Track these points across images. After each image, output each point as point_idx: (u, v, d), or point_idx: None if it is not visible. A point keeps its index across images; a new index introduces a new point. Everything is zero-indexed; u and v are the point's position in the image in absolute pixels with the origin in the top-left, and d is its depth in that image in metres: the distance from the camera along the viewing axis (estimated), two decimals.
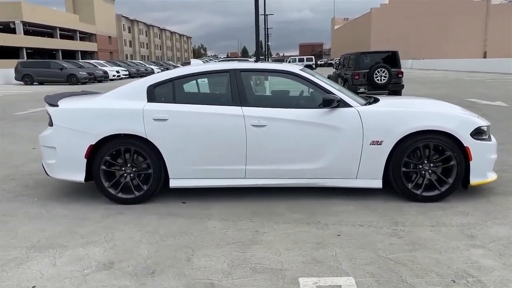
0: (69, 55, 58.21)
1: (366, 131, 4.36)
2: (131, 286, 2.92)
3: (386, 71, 13.77)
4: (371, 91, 13.78)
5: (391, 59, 14.14)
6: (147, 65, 45.96)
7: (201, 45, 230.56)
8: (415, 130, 4.32)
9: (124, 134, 4.46)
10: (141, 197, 4.57)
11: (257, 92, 4.73)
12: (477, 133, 4.41)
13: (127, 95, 4.61)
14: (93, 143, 4.47)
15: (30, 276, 3.07)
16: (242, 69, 4.64)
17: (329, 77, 17.05)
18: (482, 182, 4.48)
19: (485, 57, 63.46)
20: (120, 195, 4.57)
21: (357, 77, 14.01)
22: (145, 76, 35.32)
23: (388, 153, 4.39)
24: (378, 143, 4.37)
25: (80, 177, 4.58)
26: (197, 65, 4.95)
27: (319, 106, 4.46)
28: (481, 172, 4.45)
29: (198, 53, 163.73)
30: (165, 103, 4.52)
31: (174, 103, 4.52)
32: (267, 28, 53.77)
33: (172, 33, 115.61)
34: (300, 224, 3.94)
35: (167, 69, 49.33)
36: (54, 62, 31.19)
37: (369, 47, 64.59)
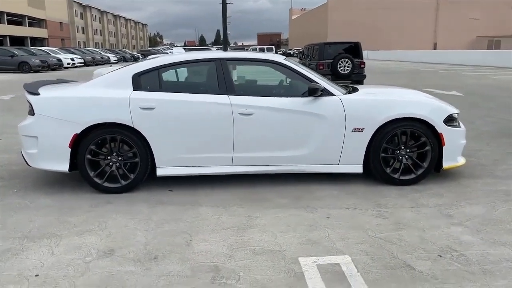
0: (17, 42, 55.49)
1: (349, 119, 4.56)
2: (137, 272, 2.97)
3: (349, 61, 14.14)
4: (334, 81, 14.10)
5: (354, 50, 14.51)
6: (103, 53, 44.60)
7: (157, 32, 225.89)
8: (394, 118, 4.56)
9: (110, 123, 4.44)
10: (128, 186, 4.57)
11: (241, 81, 4.82)
12: (449, 120, 4.71)
13: (112, 83, 4.57)
14: (78, 132, 4.42)
15: (30, 265, 3.06)
16: (228, 58, 4.71)
17: None
18: (453, 166, 4.80)
19: (435, 48, 66.09)
20: (106, 184, 4.55)
21: (321, 67, 14.30)
22: (102, 64, 34.21)
23: (368, 139, 4.61)
24: (360, 130, 4.58)
25: (63, 167, 4.52)
26: (181, 54, 4.97)
27: (302, 95, 4.61)
28: (453, 156, 4.77)
29: (154, 41, 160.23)
30: (152, 92, 4.53)
31: (160, 92, 4.54)
32: (226, 17, 53.39)
33: (127, 20, 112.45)
34: (289, 208, 4.10)
35: (124, 57, 48.41)
36: (3, 49, 29.71)
37: (326, 38, 65.62)
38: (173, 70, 4.75)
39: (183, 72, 5.00)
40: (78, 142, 4.47)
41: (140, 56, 54.74)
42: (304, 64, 16.44)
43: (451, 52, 36.52)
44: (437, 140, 4.66)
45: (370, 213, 3.95)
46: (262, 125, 4.53)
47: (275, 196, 4.43)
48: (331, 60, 14.26)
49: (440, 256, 3.12)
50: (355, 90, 5.03)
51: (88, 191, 4.59)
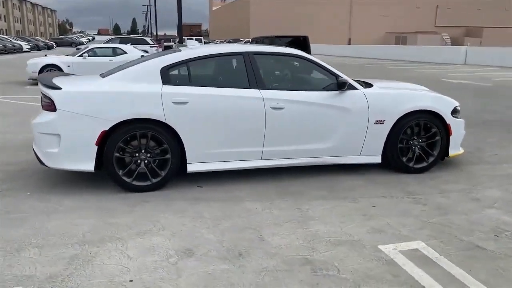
0: None
1: (372, 112, 4.79)
2: (232, 269, 2.93)
3: None
4: None
5: (302, 44, 14.91)
6: (14, 41, 41.08)
7: (66, 19, 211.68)
8: (411, 110, 4.88)
9: (140, 119, 4.24)
10: (158, 183, 4.41)
11: (268, 75, 4.82)
12: (454, 112, 5.14)
13: (139, 77, 4.36)
14: (106, 129, 4.17)
15: (114, 271, 2.88)
16: (255, 52, 4.70)
17: None
18: (456, 154, 5.25)
19: (349, 43, 69.68)
20: (135, 182, 4.35)
21: None
22: (14, 52, 31.78)
23: (388, 131, 4.89)
24: (381, 122, 4.84)
25: (89, 166, 4.24)
26: (207, 47, 4.85)
27: (324, 89, 4.75)
28: (456, 145, 5.21)
29: (64, 29, 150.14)
30: (183, 86, 4.39)
31: (190, 86, 4.42)
32: (155, 4, 51.66)
33: (33, 5, 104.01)
34: (330, 200, 4.23)
35: (37, 46, 44.87)
36: None
37: (248, 31, 66.39)
38: (202, 64, 4.64)
39: (211, 66, 4.89)
40: (105, 140, 4.22)
41: (54, 44, 51.23)
42: None
43: (367, 47, 39.14)
44: (446, 130, 5.06)
45: (407, 201, 4.21)
46: (292, 119, 4.60)
47: (308, 189, 4.54)
48: None
49: (497, 236, 3.45)
50: (368, 84, 5.27)
51: (108, 190, 4.37)
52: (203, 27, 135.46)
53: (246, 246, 3.26)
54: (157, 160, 4.40)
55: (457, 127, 5.15)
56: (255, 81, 4.57)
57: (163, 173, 4.40)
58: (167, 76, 4.40)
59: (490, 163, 5.47)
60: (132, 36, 38.73)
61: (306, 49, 14.90)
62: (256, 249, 3.21)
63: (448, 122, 5.04)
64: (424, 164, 5.08)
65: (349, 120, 4.76)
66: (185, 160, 4.46)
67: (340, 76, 4.77)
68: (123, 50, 15.71)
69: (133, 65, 4.51)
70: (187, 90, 4.36)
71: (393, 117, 4.85)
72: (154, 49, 24.75)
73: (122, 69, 4.48)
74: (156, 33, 62.89)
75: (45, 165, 4.28)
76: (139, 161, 4.36)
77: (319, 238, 3.40)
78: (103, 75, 4.73)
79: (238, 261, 3.04)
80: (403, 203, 4.16)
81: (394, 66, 24.71)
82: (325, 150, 4.80)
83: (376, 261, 3.06)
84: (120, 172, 4.29)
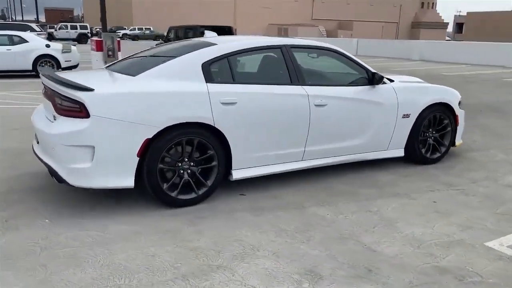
0: None
1: (400, 105, 4.78)
2: (377, 283, 2.66)
3: None
4: None
5: (228, 34, 14.58)
6: None
7: None
8: (431, 103, 4.98)
9: (186, 123, 3.66)
10: (204, 195, 3.86)
11: (307, 70, 4.48)
12: (459, 103, 5.38)
13: (178, 74, 3.74)
14: (150, 136, 3.51)
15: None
16: (292, 45, 4.35)
17: None
18: (459, 143, 5.51)
19: (235, 33, 70.59)
20: (181, 196, 3.75)
21: None
22: None
23: (412, 124, 4.93)
24: (407, 116, 4.86)
25: (128, 181, 3.54)
26: (241, 39, 4.33)
27: (353, 83, 4.61)
28: (460, 135, 5.48)
29: None
30: (228, 84, 3.88)
31: (234, 84, 3.93)
32: None
33: None
34: (386, 198, 4.11)
35: None
36: None
37: (131, 18, 63.31)
38: (241, 58, 4.15)
39: (250, 61, 4.38)
40: (146, 149, 3.55)
41: None
42: None
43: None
44: (454, 121, 5.27)
45: (455, 193, 4.28)
46: (333, 116, 4.37)
47: (353, 187, 4.37)
48: None
49: None
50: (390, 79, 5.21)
51: (142, 206, 3.72)
52: (75, 13, 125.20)
53: (366, 259, 2.98)
54: (200, 169, 3.85)
55: (461, 118, 5.40)
56: (296, 77, 4.24)
57: (209, 183, 3.86)
58: (209, 72, 3.84)
59: (477, 150, 5.83)
60: (10, 22, 34.01)
61: None
62: (378, 262, 2.95)
63: (457, 113, 5.25)
64: (438, 154, 5.24)
65: (381, 114, 4.69)
66: (230, 166, 3.97)
67: (375, 71, 4.66)
68: (22, 38, 13.70)
69: (167, 60, 3.86)
70: (234, 89, 3.87)
71: (417, 110, 4.90)
72: (42, 36, 22.11)
73: (156, 65, 3.80)
74: (23, 18, 56.28)
75: (69, 184, 3.46)
76: (181, 171, 3.76)
77: (423, 241, 3.26)
78: (117, 70, 4.01)
79: (375, 277, 2.76)
80: (457, 195, 4.20)
81: None
82: (359, 147, 4.67)
83: (499, 260, 3.02)
84: (164, 186, 3.66)
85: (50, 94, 3.64)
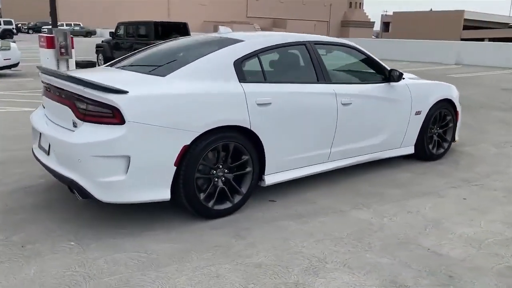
0: None
1: (413, 102, 4.75)
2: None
3: None
4: None
5: (183, 31, 14.06)
6: None
7: None
8: (438, 99, 5.00)
9: (224, 126, 3.33)
10: (239, 203, 3.56)
11: (331, 68, 4.27)
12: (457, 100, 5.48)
13: (209, 73, 3.40)
14: (188, 143, 3.15)
15: None
16: (315, 42, 4.14)
17: (100, 47, 15.40)
18: (458, 139, 5.62)
19: None
20: (217, 207, 3.42)
21: None
22: None
23: (422, 121, 4.92)
24: (419, 113, 4.84)
25: (164, 194, 3.16)
26: (265, 35, 4.04)
27: (376, 81, 4.52)
28: (458, 130, 5.58)
29: None
30: (259, 83, 3.60)
31: (266, 83, 3.66)
32: None
33: None
34: (418, 197, 4.01)
35: None
36: None
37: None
38: (269, 56, 3.87)
39: (277, 58, 4.09)
40: (183, 157, 3.19)
41: None
42: (119, 44, 14.91)
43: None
44: (455, 117, 5.36)
45: (476, 188, 4.29)
46: (358, 115, 4.24)
47: (379, 187, 4.26)
48: (163, 41, 13.40)
49: None
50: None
51: (170, 219, 3.37)
52: None
53: (438, 265, 2.84)
54: (233, 176, 3.54)
55: (460, 114, 5.50)
56: (322, 75, 4.04)
57: (243, 191, 3.57)
58: (241, 71, 3.54)
59: (468, 145, 5.96)
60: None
61: (187, 35, 14.06)
62: (452, 267, 2.82)
63: (458, 109, 5.34)
64: (442, 150, 5.29)
65: (398, 112, 4.63)
66: (262, 172, 3.70)
67: (392, 69, 4.58)
68: None
69: (193, 59, 3.49)
70: (268, 88, 3.60)
71: (427, 107, 4.90)
72: None
73: (183, 64, 3.42)
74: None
75: (96, 199, 3.02)
76: (216, 179, 3.44)
77: (481, 241, 3.19)
78: (135, 70, 3.60)
79: (459, 284, 2.63)
80: (477, 191, 4.22)
81: None
82: (378, 145, 4.57)
83: None
84: (201, 196, 3.32)
85: (65, 97, 3.16)
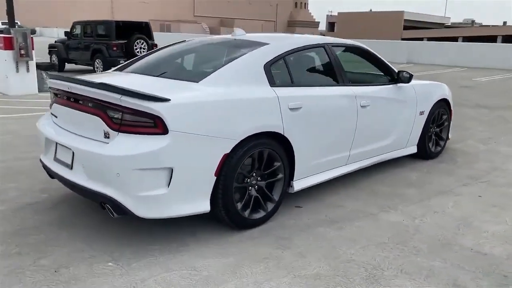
0: None
1: (418, 103, 4.83)
2: None
3: (144, 42, 13.15)
4: None
5: (145, 30, 13.60)
6: None
7: None
8: (437, 99, 5.13)
9: (260, 133, 3.20)
10: (272, 211, 3.44)
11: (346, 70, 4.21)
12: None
13: (243, 78, 3.26)
14: (228, 151, 3.00)
15: None
16: (332, 44, 4.09)
17: (54, 47, 14.58)
18: (450, 136, 5.79)
19: None
20: (252, 216, 3.29)
21: (115, 48, 12.75)
22: None
23: (425, 121, 5.02)
24: (423, 113, 4.93)
25: (204, 205, 2.99)
26: (288, 38, 3.91)
27: (382, 83, 4.55)
28: (451, 129, 5.75)
29: None
30: (288, 87, 3.50)
31: (294, 86, 3.56)
32: None
33: None
34: (437, 196, 4.06)
35: None
36: None
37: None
38: (294, 59, 3.75)
39: (301, 61, 3.96)
40: (222, 166, 3.03)
41: None
42: (75, 45, 14.16)
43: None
44: (450, 116, 5.52)
45: (487, 185, 4.41)
46: (373, 116, 4.24)
47: (393, 188, 4.29)
48: (125, 41, 12.94)
49: None
50: None
51: (203, 231, 3.21)
52: None
53: (489, 265, 2.88)
54: (265, 183, 3.42)
55: (453, 112, 5.68)
56: (341, 77, 4.01)
57: (275, 198, 3.45)
58: (270, 74, 3.42)
59: (457, 142, 6.16)
60: None
61: (149, 35, 13.72)
62: (502, 266, 2.86)
63: (452, 108, 5.50)
64: (439, 148, 5.43)
65: (406, 113, 4.69)
66: (291, 178, 3.61)
67: (401, 70, 4.62)
68: None
69: (225, 63, 3.33)
70: (298, 92, 3.51)
71: (429, 107, 5.00)
72: None
73: (215, 69, 3.24)
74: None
75: (135, 216, 2.80)
76: (250, 187, 3.30)
77: None
78: (157, 75, 3.39)
79: None
80: (488, 188, 4.34)
81: None
82: (388, 146, 4.61)
83: None
84: (239, 206, 3.17)
85: (92, 106, 2.90)
